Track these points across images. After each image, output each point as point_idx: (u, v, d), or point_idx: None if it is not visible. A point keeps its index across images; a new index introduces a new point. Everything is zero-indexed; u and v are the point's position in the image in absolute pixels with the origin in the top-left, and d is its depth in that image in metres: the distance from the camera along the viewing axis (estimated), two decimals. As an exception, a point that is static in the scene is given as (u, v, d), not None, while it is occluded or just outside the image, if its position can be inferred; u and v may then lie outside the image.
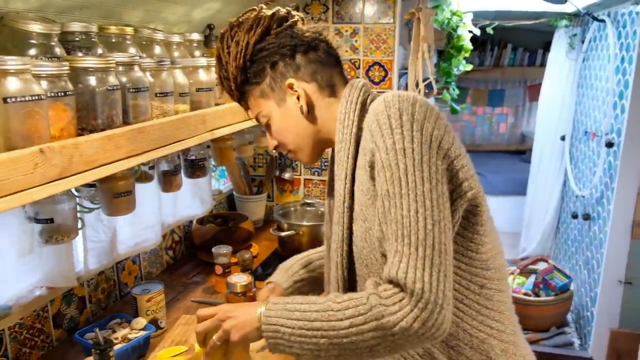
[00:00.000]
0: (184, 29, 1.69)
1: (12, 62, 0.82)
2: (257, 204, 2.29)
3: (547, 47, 4.03)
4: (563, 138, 3.74)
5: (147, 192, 1.61)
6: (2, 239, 1.18)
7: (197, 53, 1.60)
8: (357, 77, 1.00)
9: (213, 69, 1.50)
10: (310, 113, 0.99)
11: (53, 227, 1.00)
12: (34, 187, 0.83)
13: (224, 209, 2.33)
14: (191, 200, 1.97)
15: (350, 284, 0.97)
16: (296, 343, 0.84)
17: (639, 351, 2.51)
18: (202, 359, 1.00)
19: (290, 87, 0.98)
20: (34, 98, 0.84)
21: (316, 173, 2.35)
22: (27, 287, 1.30)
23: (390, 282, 0.79)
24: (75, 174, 0.91)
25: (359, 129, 0.93)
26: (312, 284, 1.22)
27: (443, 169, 0.83)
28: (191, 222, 2.03)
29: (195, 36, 1.59)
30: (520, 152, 5.95)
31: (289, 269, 1.22)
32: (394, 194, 0.81)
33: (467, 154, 0.90)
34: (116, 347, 1.27)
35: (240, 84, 1.02)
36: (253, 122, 1.65)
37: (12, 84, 0.82)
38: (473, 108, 6.09)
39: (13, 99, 0.82)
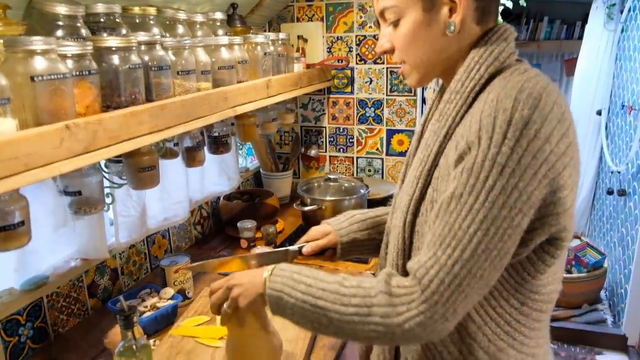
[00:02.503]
0: (207, 9, 1.73)
1: (38, 42, 0.86)
2: (283, 180, 2.33)
3: (585, 19, 3.88)
4: (599, 113, 3.63)
5: (174, 169, 1.66)
6: (38, 212, 1.26)
7: (220, 32, 1.64)
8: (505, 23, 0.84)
9: (235, 47, 1.53)
10: (458, 34, 0.83)
11: (81, 199, 1.05)
12: (61, 160, 0.88)
13: (250, 185, 2.38)
14: (218, 177, 2.02)
15: (411, 244, 0.88)
16: (297, 314, 0.83)
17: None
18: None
19: None
20: (59, 77, 0.89)
21: (341, 150, 2.37)
22: (62, 258, 1.38)
23: (413, 276, 0.76)
24: (100, 148, 0.96)
25: (481, 91, 0.80)
26: (372, 248, 1.11)
27: (536, 199, 0.73)
28: (219, 198, 2.08)
29: (219, 15, 1.62)
30: (557, 128, 5.81)
31: (354, 223, 1.11)
32: (464, 202, 0.73)
33: (577, 180, 0.79)
34: (145, 315, 1.35)
35: None
36: (274, 100, 1.70)
37: (39, 63, 0.87)
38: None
39: (40, 78, 0.86)
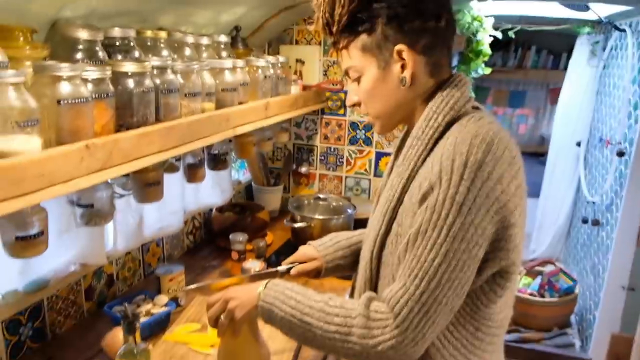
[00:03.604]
0: (211, 31, 1.82)
1: (65, 69, 0.95)
2: (274, 194, 2.42)
3: (571, 50, 4.05)
4: (579, 144, 3.78)
5: (172, 181, 1.74)
6: (44, 218, 1.33)
7: (223, 54, 1.73)
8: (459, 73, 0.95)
9: (238, 70, 1.62)
10: (411, 87, 0.92)
11: (92, 212, 1.13)
12: (80, 177, 0.96)
13: (242, 198, 2.47)
14: (212, 190, 2.10)
15: (377, 272, 0.98)
16: (285, 326, 0.94)
17: (631, 354, 2.59)
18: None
19: (399, 53, 0.90)
20: (82, 100, 0.97)
21: (331, 169, 2.47)
22: (63, 262, 1.45)
23: (387, 303, 0.85)
24: (114, 166, 1.04)
25: (440, 137, 0.89)
26: (354, 270, 1.19)
27: (489, 233, 0.83)
28: (211, 209, 2.16)
29: (222, 38, 1.71)
30: (539, 154, 5.97)
31: (339, 250, 1.22)
32: (429, 237, 0.82)
33: (524, 221, 0.89)
34: (140, 321, 1.42)
35: (343, 28, 0.93)
36: (272, 121, 1.79)
37: (64, 88, 0.95)
38: (494, 108, 6.11)
39: (65, 101, 0.95)
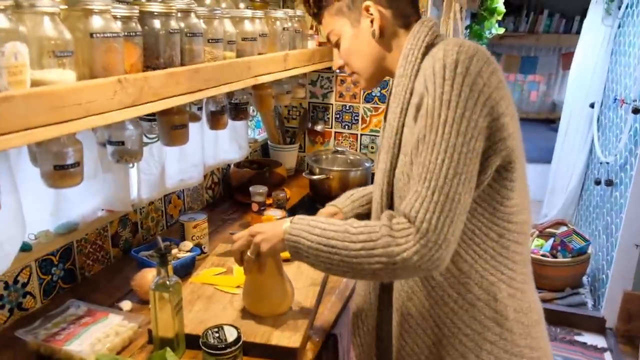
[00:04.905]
0: (230, -18, 1.81)
1: (97, 2, 0.96)
2: (290, 153, 2.44)
3: (584, 13, 4.00)
4: (592, 105, 3.76)
5: (192, 133, 1.76)
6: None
7: (241, 5, 1.73)
8: (427, 16, 1.05)
9: (257, 20, 1.62)
10: (380, 38, 1.04)
11: (123, 150, 1.16)
12: (114, 110, 0.98)
13: (258, 156, 2.49)
14: (229, 145, 2.12)
15: (390, 208, 1.04)
16: (312, 255, 0.96)
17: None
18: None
19: (367, 9, 1.02)
20: (113, 35, 0.99)
21: (346, 127, 2.48)
22: (91, 208, 1.49)
23: (405, 216, 0.89)
24: (145, 102, 1.06)
25: (419, 68, 0.97)
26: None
27: (482, 126, 0.88)
28: (229, 165, 2.19)
29: (241, -12, 1.71)
30: (550, 120, 5.94)
31: (356, 200, 1.30)
32: (428, 141, 0.88)
33: (514, 111, 0.95)
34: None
35: (318, 1, 1.08)
36: (291, 73, 1.80)
37: (96, 22, 0.97)
38: (505, 75, 6.06)
39: (98, 35, 0.96)
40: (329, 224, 0.97)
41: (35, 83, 0.87)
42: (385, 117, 1.10)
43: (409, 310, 1.03)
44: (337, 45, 1.10)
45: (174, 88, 1.15)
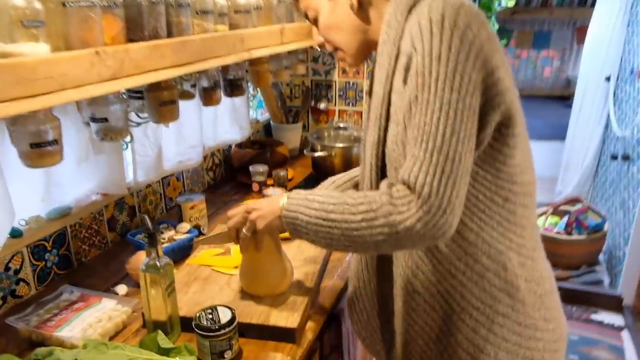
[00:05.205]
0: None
1: (69, -32, 0.90)
2: (293, 132, 2.38)
3: (598, -16, 3.85)
4: (608, 79, 3.64)
5: (188, 114, 1.72)
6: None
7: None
8: None
9: (250, -8, 1.56)
10: (360, 10, 0.98)
11: (108, 127, 1.11)
12: (92, 84, 0.93)
13: (261, 136, 2.44)
14: (230, 126, 2.07)
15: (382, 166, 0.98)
16: (312, 231, 0.91)
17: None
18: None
19: None
20: (88, 3, 0.94)
21: (350, 104, 2.41)
22: (84, 191, 1.45)
23: (404, 183, 0.83)
24: (126, 76, 1.01)
25: (404, 30, 0.91)
26: None
27: (477, 80, 0.82)
28: (230, 146, 2.14)
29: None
30: (564, 97, 5.79)
31: (340, 185, 1.26)
32: (421, 101, 0.82)
33: (508, 65, 0.88)
34: (163, 246, 1.42)
35: None
36: (288, 47, 1.74)
37: (70, -10, 0.92)
38: (517, 51, 5.91)
39: (71, 4, 0.91)
40: (327, 197, 0.92)
41: (4, 56, 0.82)
42: (370, 92, 1.03)
43: (415, 287, 0.97)
44: (316, 22, 1.05)
45: (158, 61, 1.10)
